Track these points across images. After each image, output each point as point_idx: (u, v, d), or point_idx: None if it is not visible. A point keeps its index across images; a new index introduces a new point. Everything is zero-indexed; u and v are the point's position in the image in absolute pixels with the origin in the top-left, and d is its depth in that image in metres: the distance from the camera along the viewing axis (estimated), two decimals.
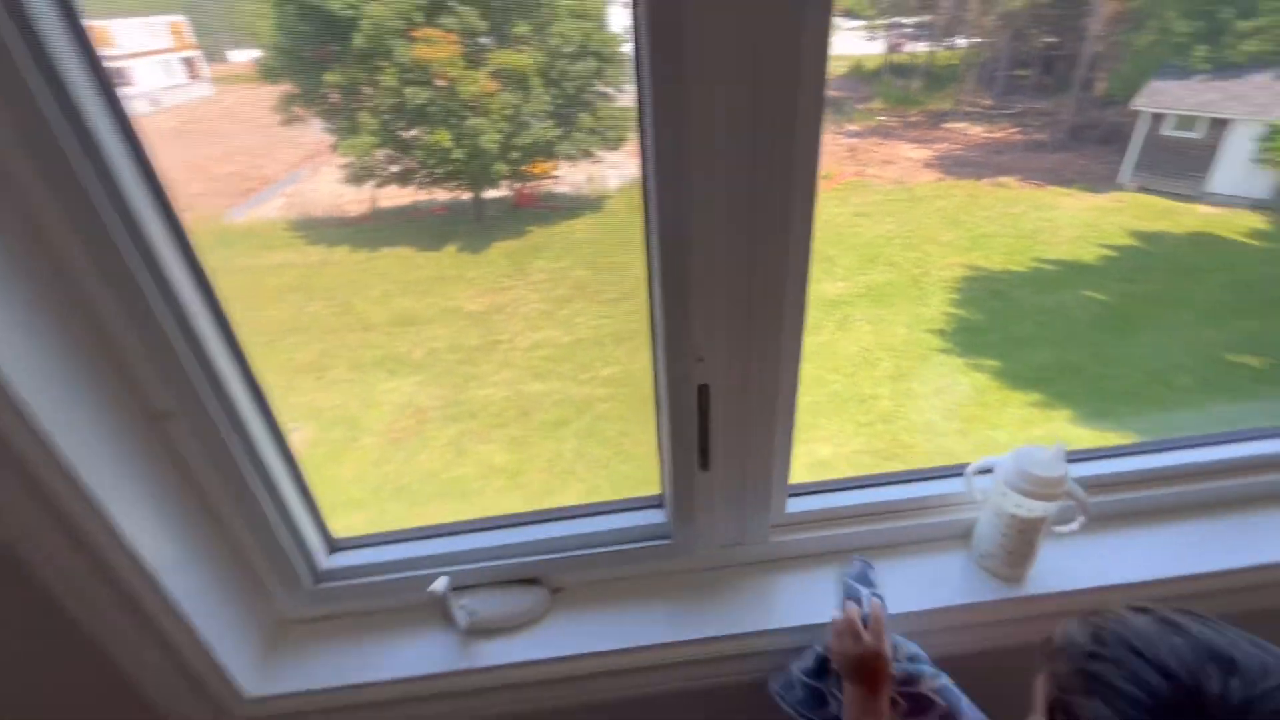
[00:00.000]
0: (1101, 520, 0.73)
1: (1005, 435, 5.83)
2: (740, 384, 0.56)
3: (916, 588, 0.66)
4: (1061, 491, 0.57)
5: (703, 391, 0.57)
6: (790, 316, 0.54)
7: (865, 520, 0.73)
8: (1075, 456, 0.74)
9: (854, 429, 6.08)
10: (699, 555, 0.71)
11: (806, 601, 0.71)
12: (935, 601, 0.65)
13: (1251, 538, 0.72)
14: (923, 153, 12.20)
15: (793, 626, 0.73)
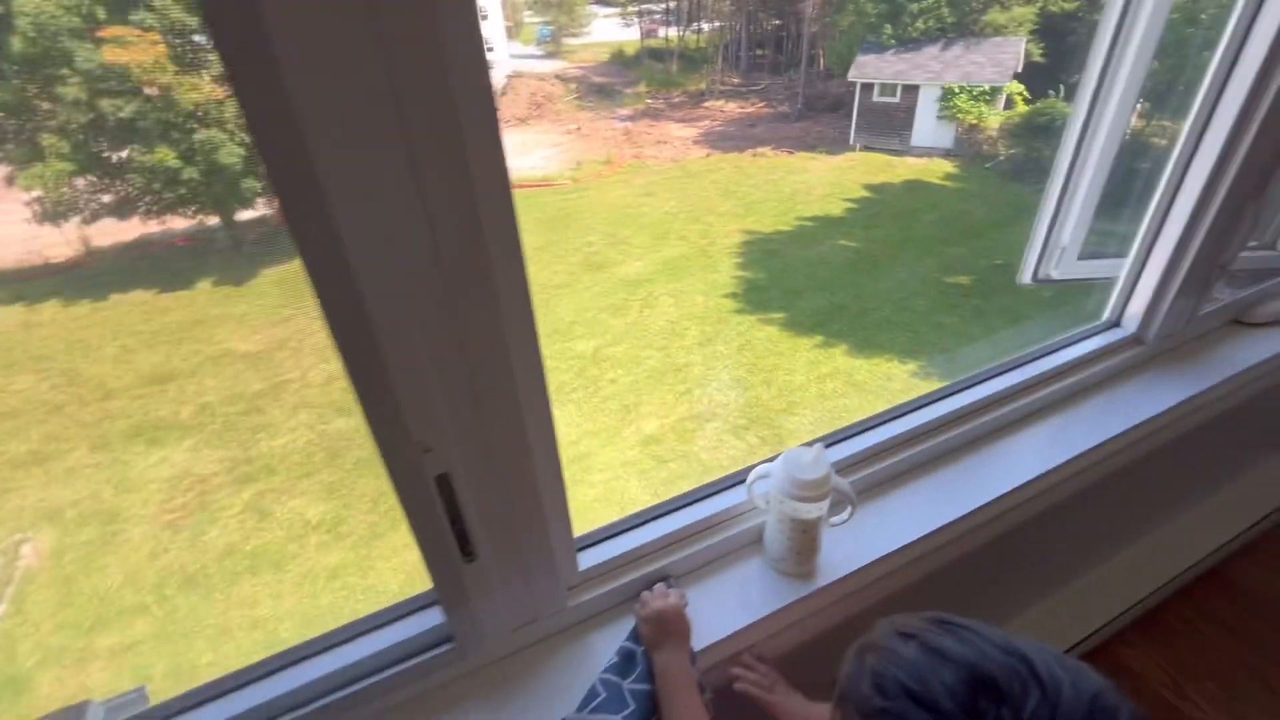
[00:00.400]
0: (866, 494, 0.81)
1: (800, 377, 6.58)
2: (485, 459, 0.50)
3: (724, 609, 0.67)
4: (828, 489, 0.63)
5: (443, 481, 0.50)
6: (526, 378, 0.48)
7: (663, 553, 0.70)
8: (831, 440, 0.81)
9: (675, 398, 6.42)
10: (492, 648, 0.65)
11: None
12: (743, 620, 0.66)
13: (987, 472, 0.86)
14: (690, 131, 13.10)
15: None
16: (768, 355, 7.11)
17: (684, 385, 6.45)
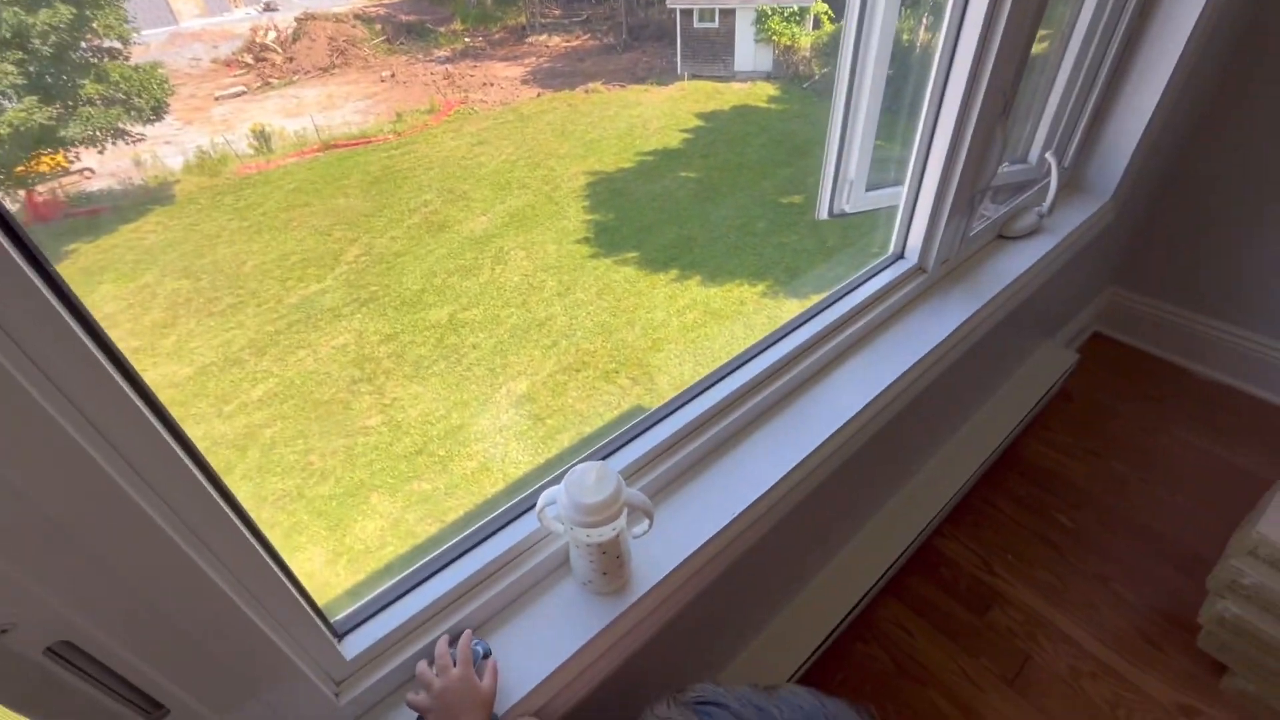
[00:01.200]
0: (680, 479, 0.78)
1: (660, 313, 6.68)
2: (124, 598, 0.35)
3: (537, 649, 0.59)
4: (619, 507, 0.58)
5: (56, 652, 0.35)
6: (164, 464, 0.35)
7: (457, 605, 0.60)
8: (608, 449, 0.76)
9: (542, 354, 6.29)
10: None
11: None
12: (557, 659, 0.59)
13: (801, 428, 0.86)
14: (517, 70, 12.36)
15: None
16: (627, 296, 7.12)
17: (549, 339, 6.33)
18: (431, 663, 0.59)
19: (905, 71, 1.07)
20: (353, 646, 0.57)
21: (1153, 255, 1.88)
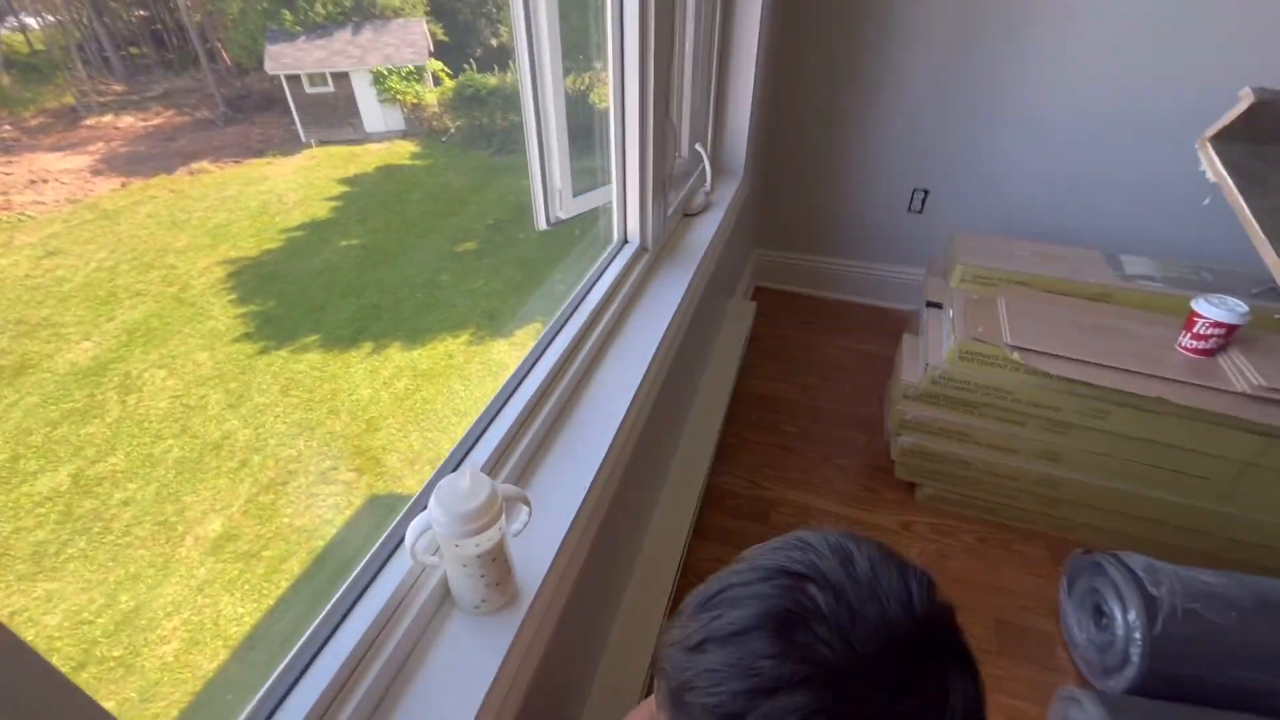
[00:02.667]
0: (526, 476, 0.79)
1: (367, 391, 6.11)
2: None
3: (458, 700, 0.52)
4: (499, 505, 0.56)
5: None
6: None
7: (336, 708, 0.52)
8: (464, 443, 0.75)
9: (230, 480, 5.17)
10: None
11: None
12: (479, 693, 0.52)
13: (605, 395, 0.92)
14: (78, 159, 9.95)
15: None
16: (320, 383, 6.34)
17: (234, 460, 5.27)
18: None
19: (583, 96, 1.23)
20: None
21: (775, 217, 2.46)
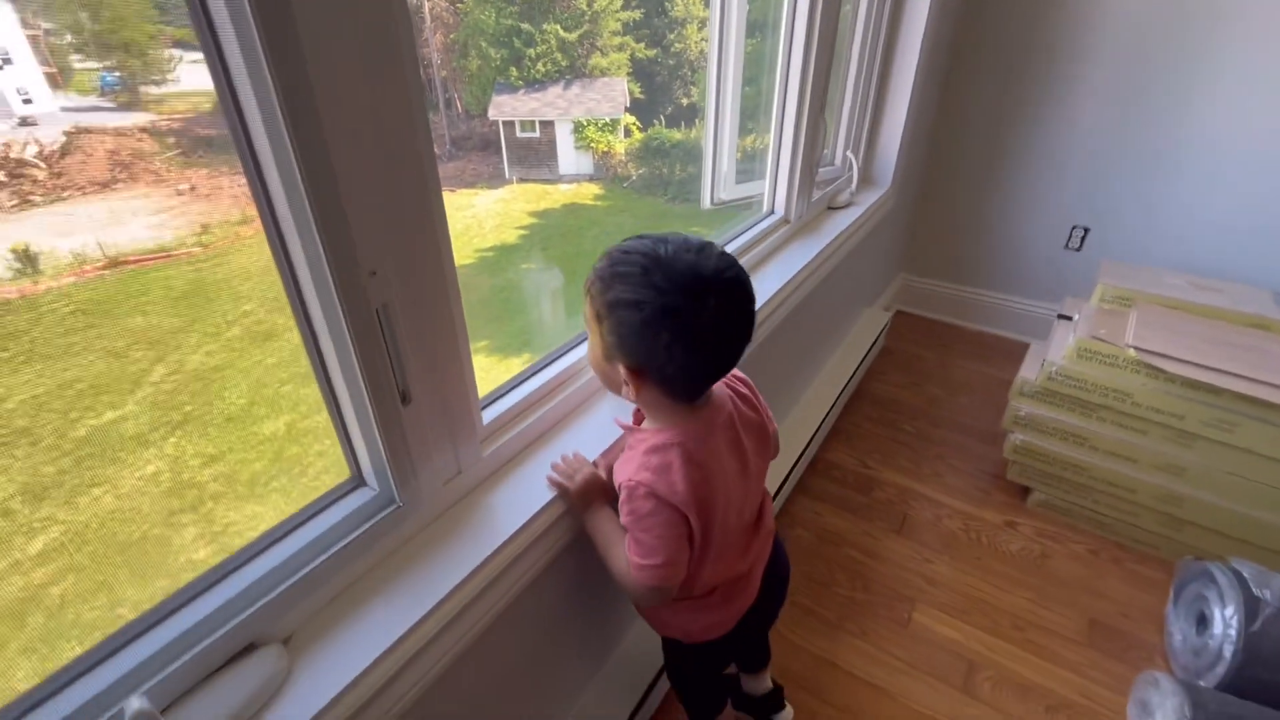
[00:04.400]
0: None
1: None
2: (415, 292, 0.61)
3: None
4: None
5: (384, 313, 0.59)
6: (436, 204, 0.61)
7: (551, 395, 0.88)
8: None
9: None
10: (428, 506, 0.72)
11: (539, 489, 0.79)
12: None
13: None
14: None
15: (543, 506, 0.82)
16: (496, 380, 7.18)
17: None
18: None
19: (755, 84, 1.55)
20: (488, 415, 0.78)
21: (925, 244, 2.59)
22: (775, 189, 1.52)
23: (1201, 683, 1.20)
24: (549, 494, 0.79)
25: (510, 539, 0.73)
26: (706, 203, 1.69)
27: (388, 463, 0.65)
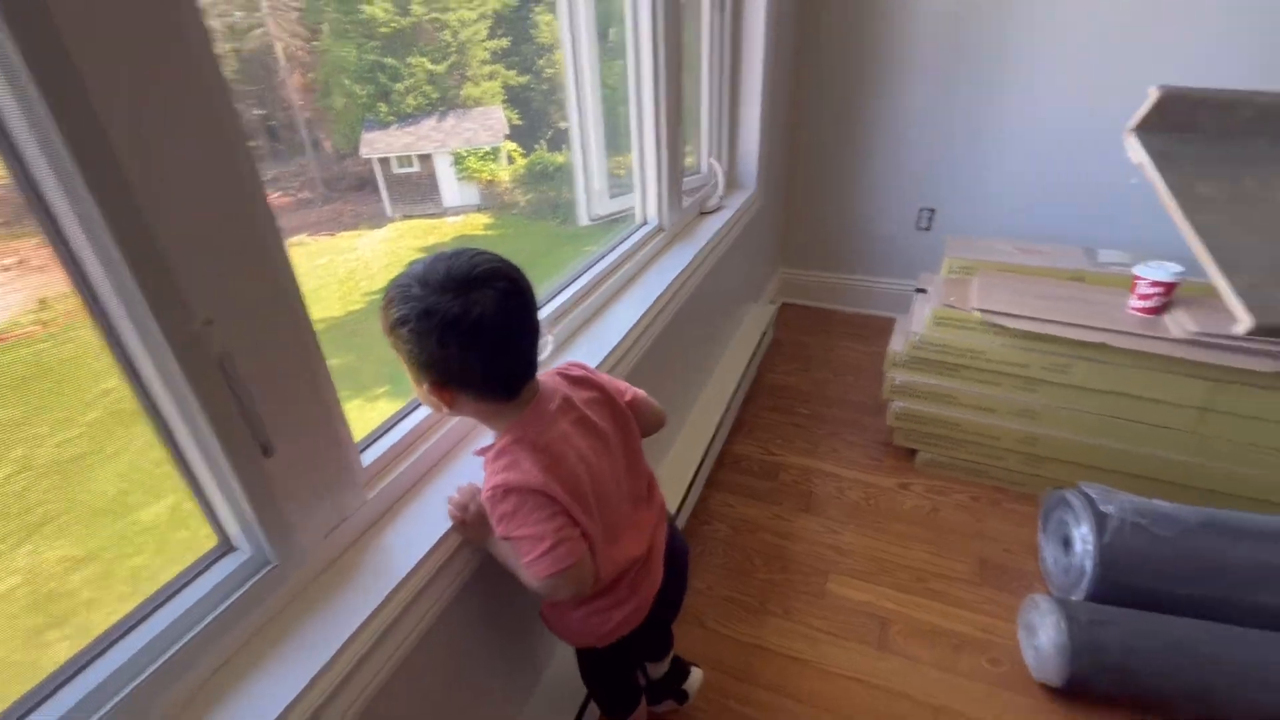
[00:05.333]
0: None
1: None
2: (262, 339, 0.58)
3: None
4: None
5: (228, 363, 0.56)
6: (273, 246, 0.59)
7: (439, 426, 0.87)
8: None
9: None
10: (312, 560, 0.69)
11: (435, 523, 0.77)
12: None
13: (609, 327, 1.25)
14: None
15: (440, 538, 0.79)
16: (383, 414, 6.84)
17: None
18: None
19: (614, 110, 1.60)
20: (367, 457, 0.75)
21: (797, 239, 2.76)
22: (646, 200, 1.57)
23: (1073, 597, 1.34)
24: (446, 525, 0.78)
25: (406, 578, 0.71)
26: (584, 220, 1.72)
27: (256, 521, 0.62)
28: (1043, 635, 1.25)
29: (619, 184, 1.67)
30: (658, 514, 0.91)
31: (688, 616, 1.44)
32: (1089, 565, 1.30)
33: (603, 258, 1.43)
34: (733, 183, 2.11)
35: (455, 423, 0.92)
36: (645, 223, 1.60)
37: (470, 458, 0.90)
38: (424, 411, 0.90)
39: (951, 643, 1.37)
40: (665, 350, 1.51)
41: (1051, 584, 1.46)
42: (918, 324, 1.71)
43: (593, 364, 1.12)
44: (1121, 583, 1.28)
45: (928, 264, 2.40)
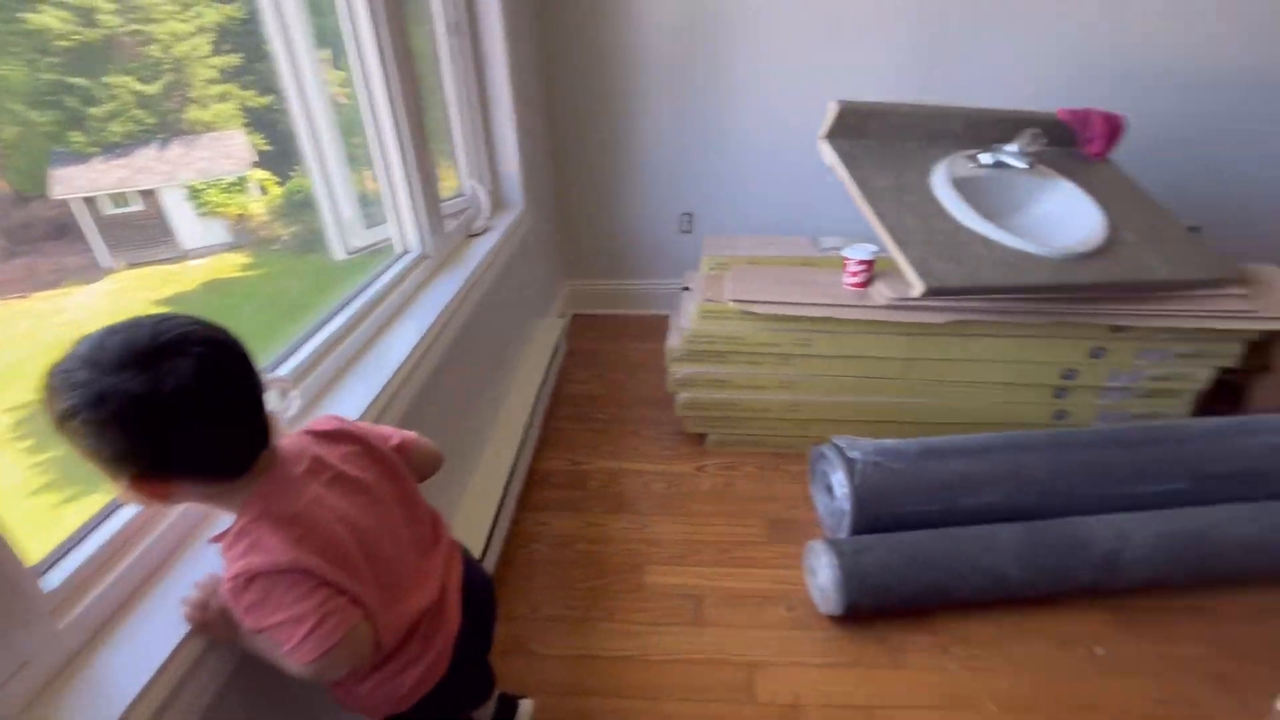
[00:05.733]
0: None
1: None
2: None
3: None
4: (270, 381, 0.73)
5: None
6: None
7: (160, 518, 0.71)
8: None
9: None
10: None
11: (164, 632, 0.64)
12: None
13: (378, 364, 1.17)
14: None
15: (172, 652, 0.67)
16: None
17: None
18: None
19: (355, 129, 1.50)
20: (54, 578, 0.60)
21: (577, 250, 2.84)
22: (403, 228, 1.50)
23: (840, 535, 1.56)
24: (183, 631, 0.67)
25: (133, 706, 0.59)
26: (340, 254, 1.60)
27: None
28: (821, 574, 1.44)
29: (379, 213, 1.57)
30: (446, 555, 0.87)
31: (512, 647, 1.40)
32: (847, 505, 1.53)
33: (361, 293, 1.33)
34: (499, 203, 2.11)
35: (183, 509, 0.79)
36: (407, 251, 1.52)
37: (206, 548, 0.78)
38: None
39: (755, 601, 1.52)
40: (450, 379, 1.46)
41: (824, 528, 1.68)
42: (687, 320, 1.87)
43: (363, 405, 1.05)
44: (873, 514, 1.52)
45: (692, 263, 2.63)
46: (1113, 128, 1.93)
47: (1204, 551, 1.45)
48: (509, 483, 1.69)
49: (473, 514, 1.51)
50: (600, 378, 2.44)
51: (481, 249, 1.74)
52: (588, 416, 2.21)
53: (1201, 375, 1.79)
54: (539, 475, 1.92)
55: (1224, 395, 1.92)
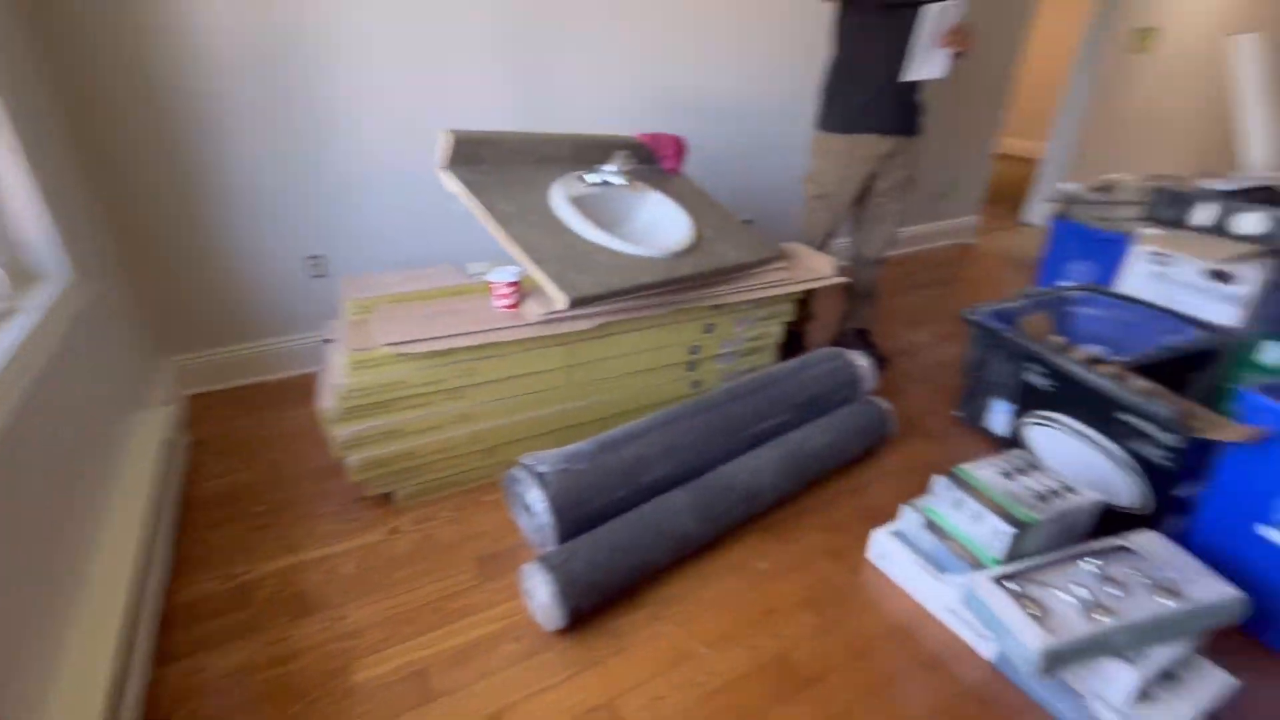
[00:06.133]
0: None
1: None
2: None
3: None
4: None
5: None
6: None
7: None
8: None
9: None
10: None
11: None
12: None
13: None
14: None
15: None
16: None
17: None
18: None
19: None
20: None
21: (182, 320, 2.30)
22: None
23: (548, 549, 1.61)
24: None
25: None
26: None
27: None
28: (539, 593, 1.45)
29: None
30: None
31: None
32: (548, 518, 1.57)
33: None
34: (25, 276, 1.56)
35: None
36: None
37: None
38: None
39: (483, 648, 1.46)
40: None
41: (534, 546, 1.70)
42: (338, 375, 1.67)
43: None
44: (573, 518, 1.60)
45: (333, 310, 2.37)
46: (679, 147, 2.37)
47: (803, 463, 1.92)
48: (131, 633, 1.28)
49: (74, 701, 1.11)
50: (246, 463, 2.03)
51: (6, 340, 1.26)
52: (240, 514, 1.81)
53: (775, 331, 2.35)
54: (181, 609, 1.51)
55: (792, 342, 2.56)
